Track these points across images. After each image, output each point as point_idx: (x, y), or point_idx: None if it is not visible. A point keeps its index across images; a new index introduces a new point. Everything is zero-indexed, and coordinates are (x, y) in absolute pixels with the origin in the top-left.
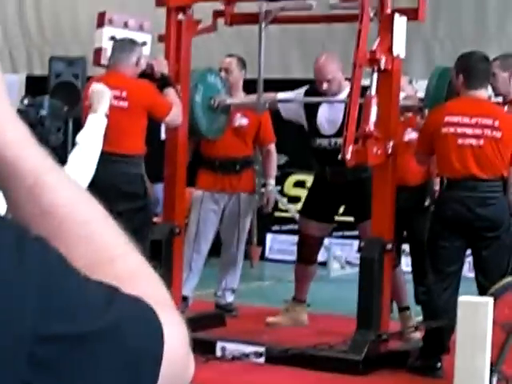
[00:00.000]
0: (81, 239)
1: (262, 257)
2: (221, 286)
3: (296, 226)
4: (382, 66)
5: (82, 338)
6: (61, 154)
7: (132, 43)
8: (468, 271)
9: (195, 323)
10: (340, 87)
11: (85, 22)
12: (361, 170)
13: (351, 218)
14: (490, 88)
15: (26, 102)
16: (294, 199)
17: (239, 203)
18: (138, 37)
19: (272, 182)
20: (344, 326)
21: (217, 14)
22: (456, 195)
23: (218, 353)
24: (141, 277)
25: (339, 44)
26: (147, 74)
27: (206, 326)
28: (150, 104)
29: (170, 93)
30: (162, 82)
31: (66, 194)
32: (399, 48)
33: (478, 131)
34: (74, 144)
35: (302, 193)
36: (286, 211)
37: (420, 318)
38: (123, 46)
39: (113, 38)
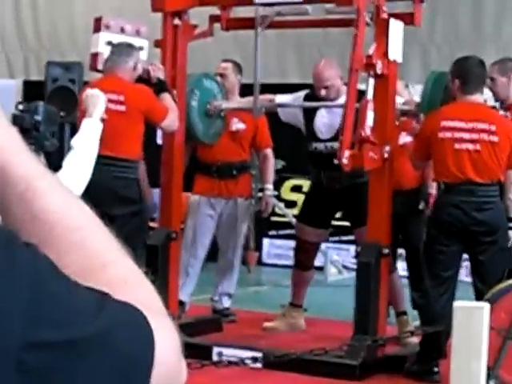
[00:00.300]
0: (72, 245)
1: (259, 262)
2: (217, 290)
3: (293, 231)
4: (378, 71)
5: (73, 344)
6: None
7: (129, 47)
8: (465, 276)
9: (192, 328)
10: (338, 93)
11: (81, 27)
12: (357, 175)
13: (348, 223)
14: (485, 92)
15: (20, 107)
16: (290, 204)
17: (236, 208)
18: (135, 42)
19: (270, 186)
20: (341, 330)
21: (213, 19)
22: (453, 200)
23: (215, 358)
24: (132, 283)
25: (335, 48)
26: (143, 79)
27: (203, 331)
28: (147, 108)
29: (166, 98)
30: (158, 87)
31: (57, 200)
32: (395, 53)
33: (474, 136)
34: (69, 149)
35: (299, 197)
36: (282, 216)
37: (417, 322)
38: (121, 50)
39: (109, 43)
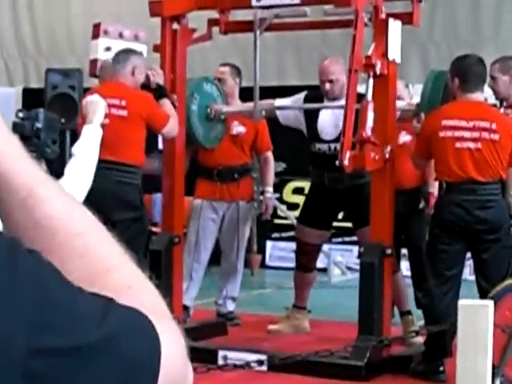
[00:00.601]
0: (75, 251)
1: (263, 264)
2: (221, 294)
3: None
4: (378, 71)
5: (78, 350)
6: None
7: (126, 52)
8: (469, 274)
9: (197, 332)
10: (342, 91)
11: (80, 33)
12: (359, 175)
13: (350, 224)
14: (485, 91)
15: (21, 115)
16: (293, 206)
17: (238, 211)
18: (134, 47)
19: (270, 189)
20: (345, 331)
21: (212, 23)
22: (455, 199)
23: (220, 361)
24: (136, 287)
25: (334, 50)
26: (143, 85)
27: (208, 335)
28: (149, 115)
29: (166, 104)
30: (158, 93)
31: (59, 206)
32: (394, 52)
33: (475, 134)
34: (71, 156)
35: (301, 199)
36: (285, 218)
37: (422, 322)
38: (118, 55)
39: (108, 49)
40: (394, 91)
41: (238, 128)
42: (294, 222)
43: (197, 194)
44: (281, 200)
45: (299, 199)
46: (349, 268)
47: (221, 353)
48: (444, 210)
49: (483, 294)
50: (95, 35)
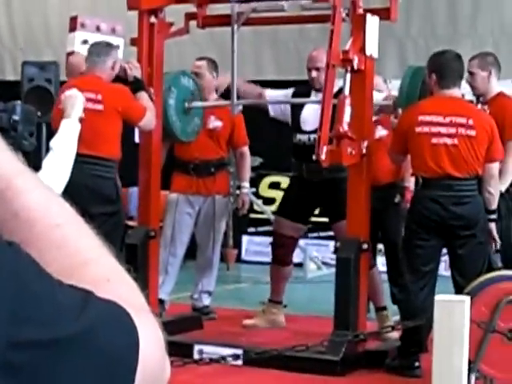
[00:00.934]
0: (53, 243)
1: (238, 259)
2: (197, 288)
3: (272, 228)
4: (355, 66)
5: (56, 343)
6: (34, 159)
7: (108, 47)
8: (444, 270)
9: (172, 326)
10: None
11: (56, 26)
12: (338, 169)
13: (326, 219)
14: (463, 86)
15: None
16: (269, 201)
17: (214, 205)
18: (111, 40)
19: (246, 184)
20: (321, 326)
21: (189, 17)
22: (431, 194)
23: (196, 356)
24: (115, 280)
25: (312, 45)
26: (120, 78)
27: (183, 329)
28: (125, 108)
29: (143, 97)
30: (135, 86)
31: (37, 198)
32: (372, 48)
33: (452, 130)
34: (47, 149)
35: (277, 194)
36: (261, 213)
37: (397, 317)
38: (99, 49)
39: (85, 42)
40: (371, 86)
41: (214, 122)
42: (270, 216)
43: (173, 187)
44: (257, 195)
45: (275, 194)
46: (324, 263)
47: (196, 347)
48: (420, 205)
49: (459, 290)
50: (72, 28)
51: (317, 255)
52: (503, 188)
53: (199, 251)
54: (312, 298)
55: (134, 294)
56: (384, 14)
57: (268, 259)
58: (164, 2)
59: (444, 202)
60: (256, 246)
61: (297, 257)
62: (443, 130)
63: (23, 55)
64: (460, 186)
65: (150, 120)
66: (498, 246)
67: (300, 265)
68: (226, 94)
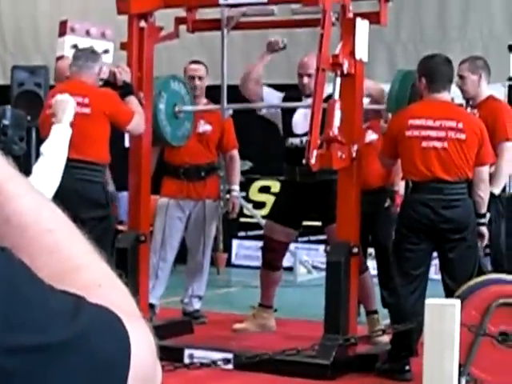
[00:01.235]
0: (44, 248)
1: (229, 263)
2: (187, 293)
3: (262, 232)
4: (345, 70)
5: (48, 348)
6: (24, 163)
7: (95, 54)
8: (434, 273)
9: (163, 331)
10: None
11: (46, 30)
12: (330, 171)
13: (317, 223)
14: (452, 90)
15: None
16: (259, 205)
17: (204, 210)
18: (100, 45)
19: (236, 187)
20: (312, 330)
21: (179, 21)
22: (421, 198)
23: (186, 360)
24: (106, 285)
25: (302, 49)
26: (110, 82)
27: (174, 334)
28: (112, 112)
29: (132, 101)
30: (124, 90)
31: (29, 203)
32: (362, 52)
33: (441, 134)
34: (37, 153)
35: (267, 198)
36: (251, 217)
37: (387, 321)
38: (86, 55)
39: (75, 46)
40: (361, 90)
41: (204, 126)
42: (261, 220)
43: (163, 192)
44: (247, 199)
45: (265, 198)
46: (314, 267)
47: (187, 351)
48: (410, 209)
49: (449, 293)
50: (62, 32)
51: (307, 259)
52: (497, 191)
53: (189, 255)
54: (302, 302)
55: (126, 300)
56: (374, 18)
57: (258, 263)
58: (154, 6)
59: (434, 205)
60: (246, 250)
61: (287, 261)
62: (433, 133)
63: (13, 59)
64: (450, 189)
65: (138, 124)
66: (488, 250)
67: (290, 269)
68: (215, 98)
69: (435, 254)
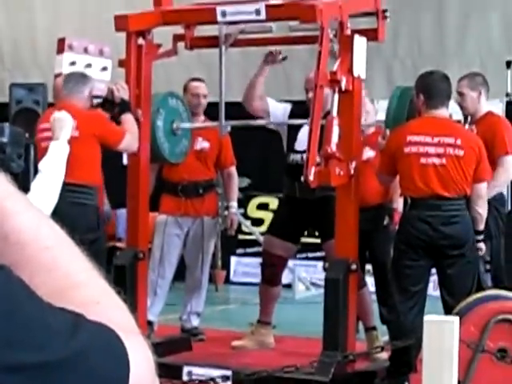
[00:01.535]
0: (43, 265)
1: (227, 280)
2: (186, 309)
3: (260, 249)
4: (343, 87)
5: (48, 366)
6: (23, 180)
7: (85, 77)
8: (433, 290)
9: (161, 348)
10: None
11: (44, 47)
12: (330, 187)
13: (315, 240)
14: (450, 107)
15: None
16: (257, 222)
17: (203, 227)
18: (98, 62)
19: (234, 204)
20: (310, 347)
21: (177, 38)
22: (420, 214)
23: (185, 377)
24: (105, 303)
25: (300, 65)
26: (107, 100)
27: (172, 351)
28: (101, 133)
29: (128, 119)
30: (122, 108)
31: (27, 220)
32: (360, 68)
33: (440, 150)
34: (36, 170)
35: (266, 215)
36: (249, 234)
37: (386, 337)
38: (77, 79)
39: (73, 64)
40: (359, 107)
41: (202, 143)
42: (259, 237)
43: (161, 209)
44: (245, 216)
45: (264, 215)
46: (313, 284)
47: (186, 368)
48: (409, 225)
49: (448, 310)
50: (60, 50)
51: (305, 276)
52: (491, 194)
53: (188, 272)
54: (301, 319)
55: (124, 317)
56: (372, 34)
57: (256, 280)
58: (152, 23)
59: (433, 221)
60: (244, 267)
61: (285, 277)
62: (431, 150)
63: (11, 77)
64: (449, 205)
65: (129, 143)
66: (488, 266)
67: (289, 286)
68: (212, 115)
69: (433, 270)
